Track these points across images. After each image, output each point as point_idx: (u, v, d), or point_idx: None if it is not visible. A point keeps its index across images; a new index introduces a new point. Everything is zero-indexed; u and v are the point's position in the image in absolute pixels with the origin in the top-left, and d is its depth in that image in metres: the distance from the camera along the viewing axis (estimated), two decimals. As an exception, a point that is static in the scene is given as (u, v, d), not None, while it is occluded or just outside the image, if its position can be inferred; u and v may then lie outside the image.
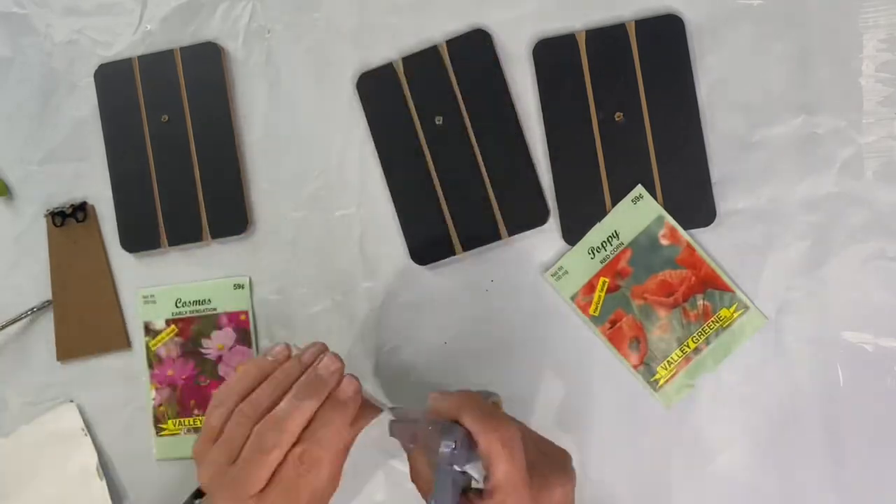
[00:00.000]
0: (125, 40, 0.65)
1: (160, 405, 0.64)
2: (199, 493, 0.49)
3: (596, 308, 0.58)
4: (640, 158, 0.57)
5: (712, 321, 0.56)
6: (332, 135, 0.62)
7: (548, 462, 0.46)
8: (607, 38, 0.57)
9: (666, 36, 0.56)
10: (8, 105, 0.68)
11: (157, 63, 0.64)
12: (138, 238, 0.64)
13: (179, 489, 0.64)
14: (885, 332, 0.54)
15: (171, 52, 0.64)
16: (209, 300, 0.63)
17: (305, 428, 0.45)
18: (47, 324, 0.66)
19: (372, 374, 0.61)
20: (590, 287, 0.58)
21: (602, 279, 0.57)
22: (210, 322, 0.63)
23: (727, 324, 0.56)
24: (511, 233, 0.59)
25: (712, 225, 0.56)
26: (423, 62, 0.60)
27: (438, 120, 0.60)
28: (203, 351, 0.64)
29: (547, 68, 0.58)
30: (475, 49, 0.59)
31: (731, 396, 0.56)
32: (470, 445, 0.43)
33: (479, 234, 0.59)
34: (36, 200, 0.67)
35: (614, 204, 0.57)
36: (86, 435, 0.65)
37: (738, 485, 0.55)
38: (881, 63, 0.54)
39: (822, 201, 0.55)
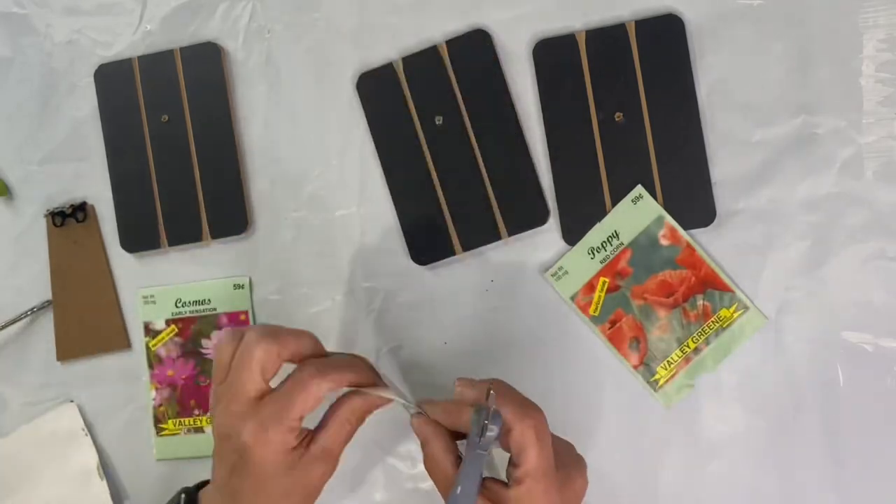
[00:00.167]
0: (125, 40, 0.65)
1: (160, 405, 0.64)
2: (186, 491, 0.49)
3: (596, 308, 0.58)
4: (640, 158, 0.57)
5: (712, 321, 0.56)
6: (332, 135, 0.62)
7: (565, 452, 0.47)
8: (607, 38, 0.57)
9: (666, 36, 0.56)
10: (8, 105, 0.68)
11: (157, 63, 0.64)
12: (138, 238, 0.64)
13: (179, 489, 0.64)
14: (885, 332, 0.54)
15: (171, 52, 0.64)
16: (209, 300, 0.63)
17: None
18: (47, 324, 0.66)
19: (372, 374, 0.61)
20: (590, 287, 0.58)
21: (602, 279, 0.57)
22: (210, 322, 0.64)
23: (727, 324, 0.56)
24: (511, 233, 0.59)
25: (712, 225, 0.56)
26: (423, 62, 0.60)
27: (438, 120, 0.60)
28: (203, 351, 0.64)
29: (547, 68, 0.58)
30: (475, 49, 0.59)
31: (731, 396, 0.56)
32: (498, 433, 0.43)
33: (479, 234, 0.59)
34: (36, 200, 0.67)
35: (614, 204, 0.57)
36: (86, 435, 0.65)
37: (737, 485, 0.56)
38: (881, 63, 0.54)
39: (822, 201, 0.55)
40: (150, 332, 0.64)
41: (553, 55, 0.58)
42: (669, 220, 0.56)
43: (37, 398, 0.66)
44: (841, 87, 0.54)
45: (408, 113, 0.60)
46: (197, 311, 0.64)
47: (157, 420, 0.64)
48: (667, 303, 0.57)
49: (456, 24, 0.60)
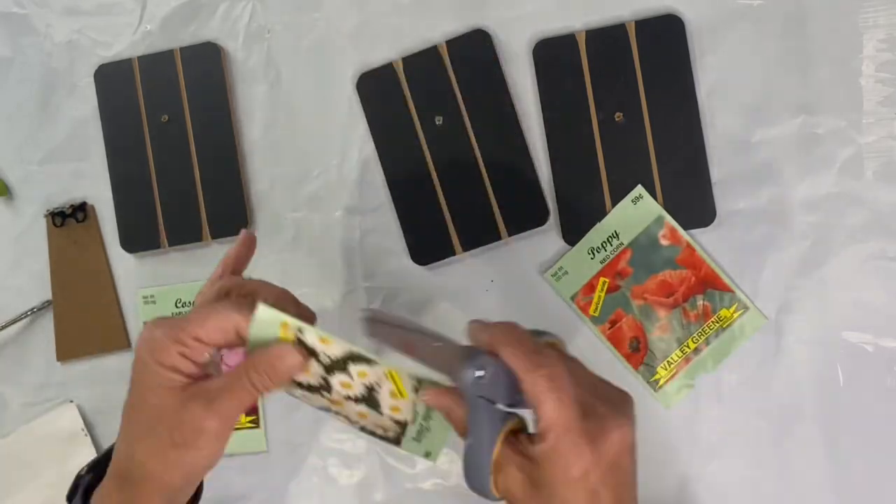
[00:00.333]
0: (125, 40, 0.65)
1: (160, 405, 0.64)
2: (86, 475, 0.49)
3: (596, 308, 0.58)
4: (640, 158, 0.57)
5: (712, 321, 0.56)
6: (332, 135, 0.62)
7: (603, 403, 0.41)
8: (607, 38, 0.57)
9: (666, 36, 0.56)
10: (8, 105, 0.68)
11: (157, 63, 0.64)
12: (138, 238, 0.64)
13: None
14: (885, 332, 0.54)
15: (171, 52, 0.64)
16: (209, 300, 0.63)
17: None
18: (47, 324, 0.66)
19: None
20: (590, 287, 0.58)
21: (602, 279, 0.57)
22: (210, 322, 0.63)
23: (727, 324, 0.56)
24: (511, 233, 0.59)
25: (712, 225, 0.56)
26: (423, 62, 0.60)
27: (438, 120, 0.60)
28: (203, 351, 0.64)
29: (547, 68, 0.58)
30: (475, 49, 0.59)
31: (731, 396, 0.56)
32: (514, 384, 0.40)
33: (479, 234, 0.59)
34: (36, 200, 0.67)
35: (614, 204, 0.57)
36: (86, 435, 0.65)
37: (738, 485, 0.55)
38: (881, 63, 0.54)
39: (822, 201, 0.55)
40: (150, 332, 0.64)
41: (553, 55, 0.58)
42: (669, 220, 0.56)
43: (37, 398, 0.66)
44: (841, 87, 0.54)
45: (408, 113, 0.60)
46: (197, 311, 0.64)
47: (157, 420, 0.64)
48: (667, 303, 0.56)
49: (456, 24, 0.60)
